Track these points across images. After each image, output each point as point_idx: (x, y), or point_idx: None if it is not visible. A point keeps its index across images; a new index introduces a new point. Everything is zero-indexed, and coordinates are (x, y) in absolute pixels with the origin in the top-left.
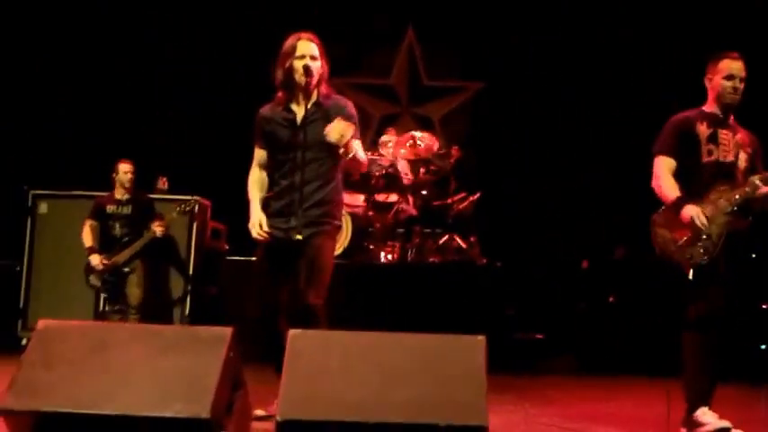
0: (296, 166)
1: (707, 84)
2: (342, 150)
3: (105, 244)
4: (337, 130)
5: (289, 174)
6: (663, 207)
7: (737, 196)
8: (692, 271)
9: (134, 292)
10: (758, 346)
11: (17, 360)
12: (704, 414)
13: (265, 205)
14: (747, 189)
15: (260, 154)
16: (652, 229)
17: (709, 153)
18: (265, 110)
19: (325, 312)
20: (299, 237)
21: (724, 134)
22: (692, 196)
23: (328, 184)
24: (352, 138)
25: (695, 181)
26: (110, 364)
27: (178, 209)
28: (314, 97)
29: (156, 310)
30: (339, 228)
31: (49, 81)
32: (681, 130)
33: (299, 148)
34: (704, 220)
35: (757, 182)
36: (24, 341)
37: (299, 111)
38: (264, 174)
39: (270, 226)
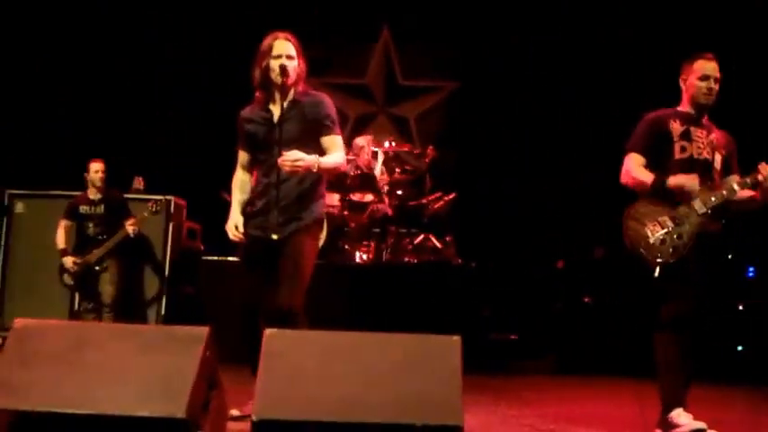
0: (274, 163)
1: (681, 84)
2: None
3: (80, 243)
4: (287, 165)
5: (268, 172)
6: (637, 200)
7: (713, 198)
8: (657, 269)
9: (107, 290)
10: (735, 347)
11: None
12: (679, 415)
13: (250, 204)
14: (724, 192)
15: (242, 156)
16: (624, 223)
17: (683, 150)
18: (245, 111)
19: (304, 311)
20: (276, 237)
21: (698, 132)
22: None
23: (306, 180)
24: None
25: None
26: (87, 363)
27: (150, 207)
28: (291, 96)
29: (130, 309)
30: (321, 222)
31: (30, 81)
32: (654, 129)
33: (276, 146)
34: (696, 183)
35: (735, 186)
36: (0, 341)
37: (277, 109)
38: (248, 176)
39: (252, 225)
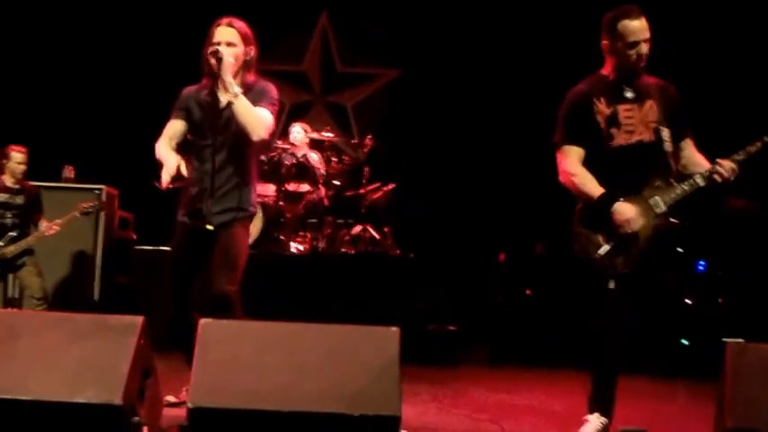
0: (210, 151)
1: (603, 48)
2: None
3: None
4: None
5: (204, 159)
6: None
7: (673, 195)
8: (612, 282)
9: (35, 282)
10: (679, 341)
11: None
12: (595, 418)
13: (183, 190)
14: (685, 187)
15: (174, 125)
16: (575, 225)
17: (610, 138)
18: (190, 89)
19: (239, 299)
20: (210, 227)
21: (626, 112)
22: (622, 190)
23: (242, 171)
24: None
25: (606, 170)
26: (21, 351)
27: (82, 208)
28: (238, 83)
29: (61, 299)
30: (253, 214)
31: None
32: (578, 110)
33: (213, 134)
34: (637, 226)
35: (698, 180)
36: None
37: (222, 96)
38: (173, 145)
39: (184, 213)
